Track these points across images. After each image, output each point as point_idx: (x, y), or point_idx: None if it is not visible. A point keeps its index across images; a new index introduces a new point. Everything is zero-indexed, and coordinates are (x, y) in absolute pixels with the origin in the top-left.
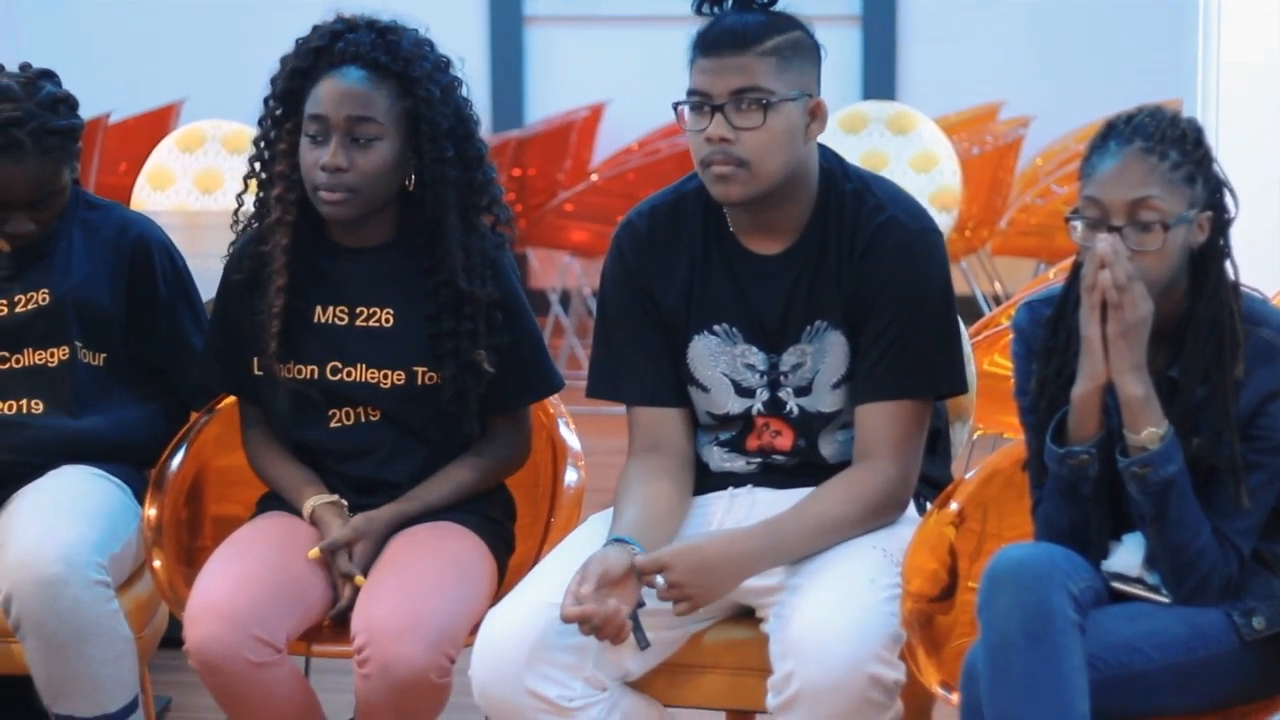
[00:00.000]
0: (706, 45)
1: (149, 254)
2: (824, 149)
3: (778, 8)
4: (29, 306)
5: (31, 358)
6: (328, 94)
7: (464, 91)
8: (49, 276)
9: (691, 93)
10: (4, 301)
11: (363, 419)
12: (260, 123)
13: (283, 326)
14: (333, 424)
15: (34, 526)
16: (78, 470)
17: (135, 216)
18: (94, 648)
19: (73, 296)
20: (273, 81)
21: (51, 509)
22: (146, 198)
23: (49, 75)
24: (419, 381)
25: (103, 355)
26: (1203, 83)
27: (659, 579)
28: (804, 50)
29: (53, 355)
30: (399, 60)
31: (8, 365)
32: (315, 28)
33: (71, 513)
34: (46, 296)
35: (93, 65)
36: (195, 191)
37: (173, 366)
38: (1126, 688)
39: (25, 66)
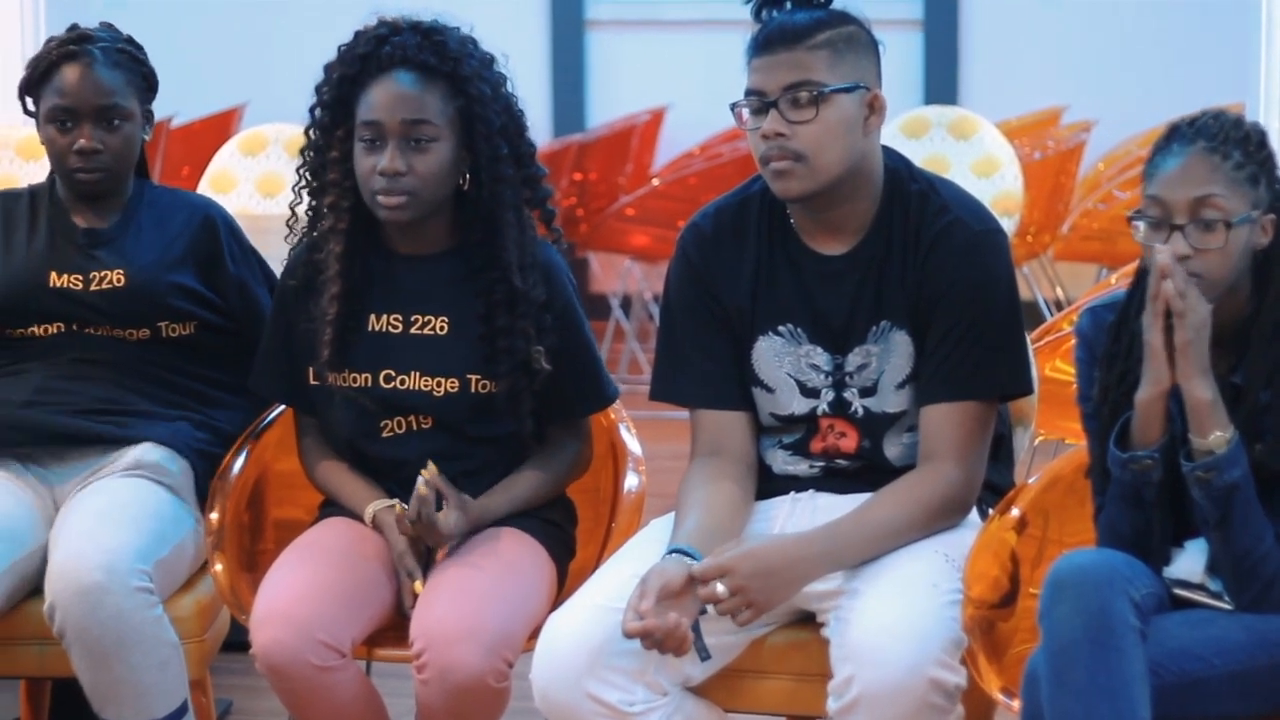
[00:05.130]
0: (759, 44)
1: (215, 231)
2: (890, 151)
3: (835, 7)
4: (103, 286)
5: (109, 332)
6: (380, 99)
7: (510, 87)
8: (123, 258)
9: (748, 93)
10: (79, 277)
11: (414, 427)
12: (308, 132)
13: (337, 334)
14: (385, 434)
15: (78, 534)
16: (133, 468)
17: (201, 198)
18: (137, 655)
19: (147, 276)
20: (318, 90)
21: (96, 516)
22: None
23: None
24: (472, 389)
25: (193, 324)
26: (1265, 87)
27: (719, 586)
28: (858, 44)
29: (131, 334)
30: (448, 61)
31: (87, 331)
32: (358, 34)
33: (116, 520)
34: (122, 278)
35: (156, 68)
36: (257, 195)
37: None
38: (1188, 695)
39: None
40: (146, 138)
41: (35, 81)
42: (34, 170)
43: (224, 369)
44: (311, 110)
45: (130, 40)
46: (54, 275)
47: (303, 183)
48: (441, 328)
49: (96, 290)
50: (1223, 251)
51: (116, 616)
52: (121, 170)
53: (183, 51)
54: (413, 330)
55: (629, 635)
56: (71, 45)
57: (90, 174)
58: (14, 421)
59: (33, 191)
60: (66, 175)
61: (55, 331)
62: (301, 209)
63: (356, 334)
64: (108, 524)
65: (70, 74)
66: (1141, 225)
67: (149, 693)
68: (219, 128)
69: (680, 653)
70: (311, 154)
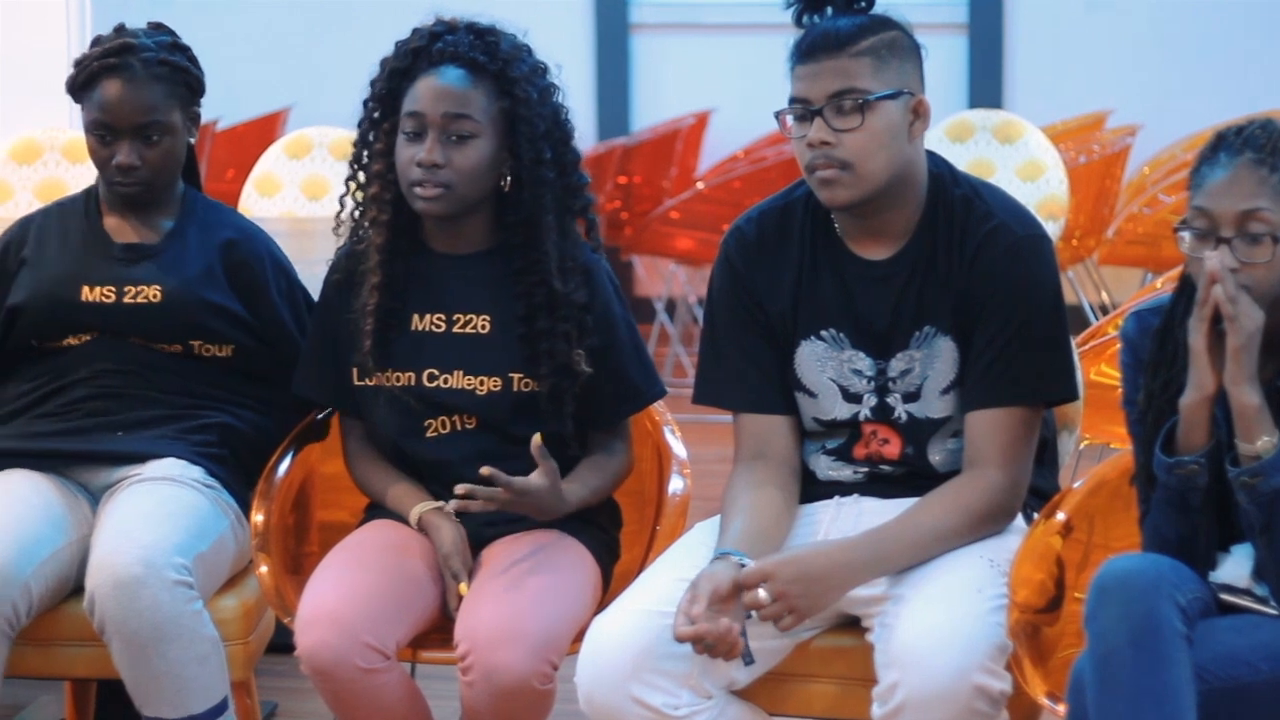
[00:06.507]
0: (803, 51)
1: (261, 263)
2: (933, 155)
3: (877, 12)
4: (138, 300)
5: (142, 343)
6: (425, 91)
7: (560, 98)
8: (161, 274)
9: (792, 100)
10: (112, 289)
11: (459, 427)
12: (359, 125)
13: (379, 331)
14: (429, 434)
15: (117, 530)
16: (165, 477)
17: (251, 226)
18: (176, 649)
19: (184, 296)
20: (372, 84)
21: (135, 513)
22: (254, 204)
23: (174, 35)
24: (515, 388)
25: (229, 347)
26: None
27: (761, 591)
28: (901, 49)
29: (163, 348)
30: (497, 60)
31: (120, 339)
32: (414, 30)
33: (155, 516)
34: (158, 294)
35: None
36: (302, 198)
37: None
38: (1234, 700)
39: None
40: (192, 140)
41: (77, 88)
42: (80, 173)
43: (260, 385)
44: (365, 103)
45: (175, 45)
46: (86, 289)
47: (350, 174)
48: (483, 326)
49: (130, 304)
50: (1269, 265)
51: (154, 609)
52: (162, 181)
53: (228, 55)
54: (455, 329)
55: (681, 640)
56: (112, 58)
57: (129, 188)
58: (40, 450)
59: (61, 206)
60: (108, 186)
61: (88, 339)
62: (349, 204)
63: (400, 333)
64: (147, 520)
65: (110, 89)
66: (1187, 236)
67: (188, 687)
68: (264, 131)
69: (731, 657)
70: (360, 145)
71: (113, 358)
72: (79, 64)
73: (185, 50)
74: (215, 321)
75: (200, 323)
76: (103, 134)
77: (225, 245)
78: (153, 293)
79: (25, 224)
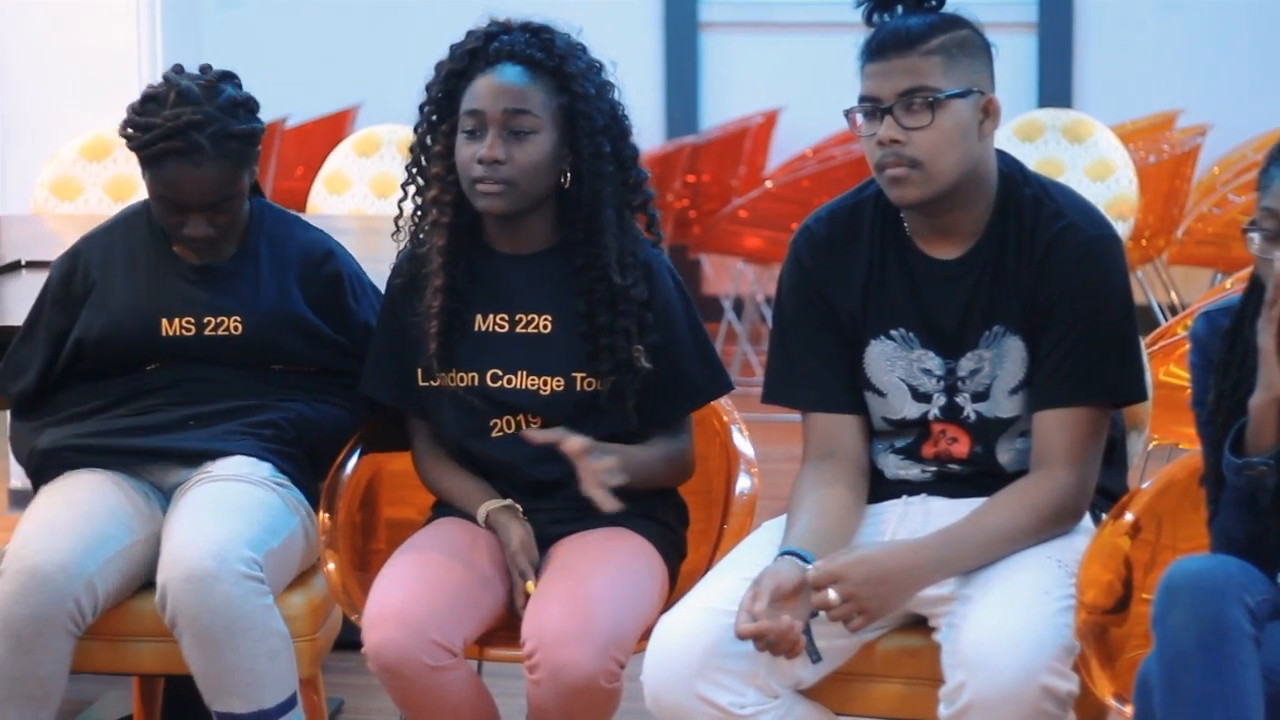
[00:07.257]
0: (873, 49)
1: (338, 278)
2: (1003, 154)
3: (947, 10)
4: (219, 332)
5: (223, 369)
6: (484, 90)
7: (616, 94)
8: (239, 302)
9: (862, 98)
10: (190, 320)
11: (524, 427)
12: (416, 129)
13: (443, 332)
14: (494, 434)
15: (189, 525)
16: (236, 475)
17: (321, 237)
18: (247, 643)
19: (266, 325)
20: (428, 88)
21: (207, 508)
22: (323, 202)
23: (230, 77)
24: (578, 388)
25: (312, 368)
26: None
27: (831, 592)
28: (971, 47)
29: (245, 373)
30: (554, 57)
31: (199, 364)
32: (469, 32)
33: (226, 510)
34: (239, 326)
35: (270, 69)
36: (371, 196)
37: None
38: None
39: (205, 69)
40: (252, 178)
41: (141, 160)
42: None
43: (339, 379)
44: (421, 107)
45: (234, 103)
46: (165, 323)
47: (408, 178)
48: (545, 326)
49: (210, 335)
50: None
51: (226, 603)
52: (231, 235)
53: (297, 52)
54: (518, 329)
55: (742, 637)
56: (178, 140)
57: (200, 252)
58: (111, 447)
59: (127, 220)
60: (178, 242)
61: (167, 364)
62: (409, 208)
63: (463, 333)
64: (219, 515)
65: (177, 172)
66: (1256, 237)
67: (259, 681)
68: (333, 128)
69: (792, 655)
70: (417, 149)
71: (192, 375)
72: (141, 130)
73: (244, 103)
74: (299, 345)
75: (283, 348)
76: (171, 209)
77: (300, 263)
78: (233, 324)
79: (87, 244)
